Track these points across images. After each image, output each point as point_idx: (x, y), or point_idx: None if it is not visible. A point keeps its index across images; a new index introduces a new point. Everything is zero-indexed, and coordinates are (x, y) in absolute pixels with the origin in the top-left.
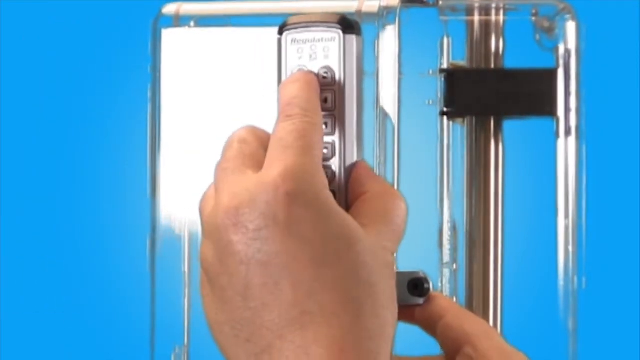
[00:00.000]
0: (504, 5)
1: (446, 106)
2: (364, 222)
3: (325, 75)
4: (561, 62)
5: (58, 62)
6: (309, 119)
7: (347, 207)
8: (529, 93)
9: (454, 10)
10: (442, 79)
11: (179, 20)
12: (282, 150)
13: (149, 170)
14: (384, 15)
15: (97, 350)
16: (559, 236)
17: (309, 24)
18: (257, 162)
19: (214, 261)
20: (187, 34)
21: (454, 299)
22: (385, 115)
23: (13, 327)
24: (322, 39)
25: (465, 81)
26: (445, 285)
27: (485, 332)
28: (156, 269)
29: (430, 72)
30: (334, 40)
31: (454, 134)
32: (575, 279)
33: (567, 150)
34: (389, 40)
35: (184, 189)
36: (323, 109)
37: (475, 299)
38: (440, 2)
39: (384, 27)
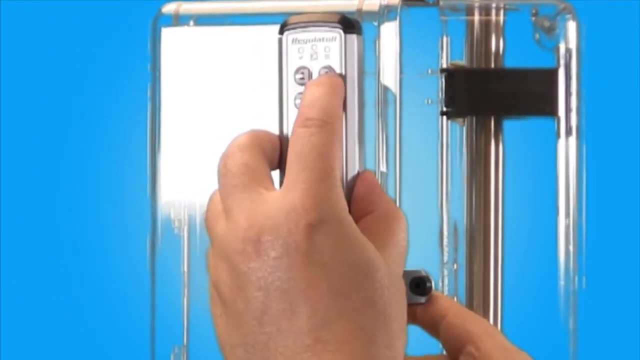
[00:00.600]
0: (504, 5)
1: (446, 106)
2: (376, 244)
3: None
4: (562, 62)
5: (58, 62)
6: (328, 127)
7: (349, 211)
8: (529, 93)
9: (454, 9)
10: (442, 78)
11: (179, 19)
12: (301, 171)
13: (149, 170)
14: (384, 14)
15: (97, 350)
16: (559, 236)
17: (309, 24)
18: (264, 175)
19: (231, 285)
20: (187, 33)
21: (455, 298)
22: (385, 97)
23: (13, 327)
24: (323, 39)
25: (465, 81)
26: (445, 285)
27: (487, 331)
28: (156, 268)
29: (430, 71)
30: (335, 40)
31: (454, 134)
32: (576, 278)
33: (567, 150)
34: (389, 39)
35: (184, 188)
36: None
37: (476, 298)
38: (441, 2)
39: (384, 25)
